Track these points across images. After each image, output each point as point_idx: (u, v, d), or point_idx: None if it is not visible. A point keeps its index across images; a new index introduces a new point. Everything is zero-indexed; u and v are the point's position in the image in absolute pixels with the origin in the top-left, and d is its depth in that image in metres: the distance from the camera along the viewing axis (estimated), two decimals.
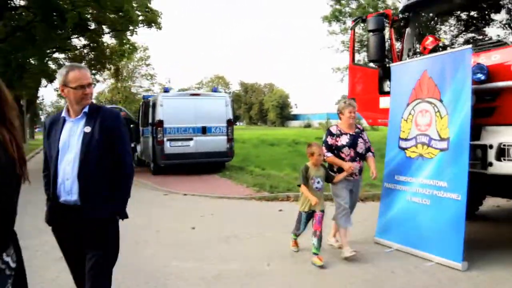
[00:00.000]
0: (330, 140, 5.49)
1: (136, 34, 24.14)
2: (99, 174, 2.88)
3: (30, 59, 18.54)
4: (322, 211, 5.28)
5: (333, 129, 5.56)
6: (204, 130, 13.19)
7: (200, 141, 13.17)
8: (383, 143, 6.76)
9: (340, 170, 5.43)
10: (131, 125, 16.16)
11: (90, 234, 2.89)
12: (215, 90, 14.93)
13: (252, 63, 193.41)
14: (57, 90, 31.27)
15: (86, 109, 2.88)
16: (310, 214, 5.34)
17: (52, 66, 29.60)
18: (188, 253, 5.72)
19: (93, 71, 28.78)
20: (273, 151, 23.40)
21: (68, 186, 2.83)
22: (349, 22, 33.65)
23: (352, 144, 5.44)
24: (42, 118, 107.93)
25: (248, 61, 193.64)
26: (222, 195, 9.92)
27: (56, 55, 27.46)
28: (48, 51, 25.07)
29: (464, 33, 6.50)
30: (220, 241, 6.28)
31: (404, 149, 5.71)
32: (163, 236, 6.64)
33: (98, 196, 2.88)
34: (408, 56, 6.35)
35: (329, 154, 5.45)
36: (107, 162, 2.91)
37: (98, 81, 28.60)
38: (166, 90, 13.57)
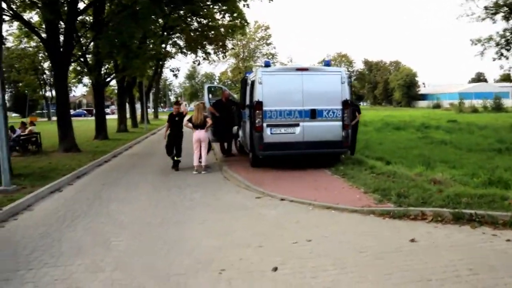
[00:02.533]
0: None
1: (248, 7, 22.36)
2: None
3: (134, 38, 17.56)
4: None
5: None
6: (313, 114, 10.52)
7: (308, 128, 10.54)
8: None
9: None
10: (233, 107, 14.21)
11: None
12: (327, 63, 11.62)
13: (377, 40, 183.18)
14: (173, 71, 31.06)
15: None
16: None
17: (169, 48, 29.34)
18: None
19: (208, 51, 27.93)
20: (399, 136, 19.98)
21: None
22: None
23: None
24: (172, 98, 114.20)
25: (373, 38, 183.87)
26: (329, 203, 7.30)
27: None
28: (162, 33, 24.52)
29: None
30: None
31: None
32: (224, 285, 4.29)
33: None
34: None
35: None
36: None
37: (207, 60, 27.32)
38: (267, 64, 10.97)
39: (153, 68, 37.14)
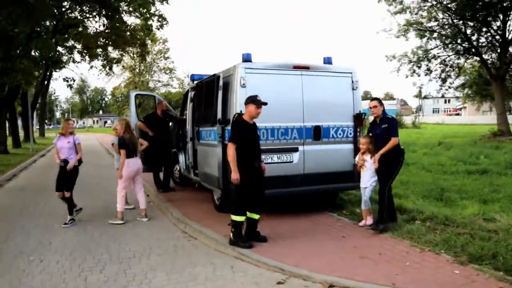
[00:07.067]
0: None
1: (168, 3, 18.64)
2: None
3: (19, 28, 12.87)
4: None
5: None
6: (317, 133, 7.15)
7: (310, 154, 7.11)
8: None
9: None
10: (170, 122, 10.58)
11: None
12: (328, 61, 7.63)
13: (278, 52, 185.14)
14: (67, 80, 25.75)
15: None
16: None
17: (62, 50, 24.29)
18: None
19: (112, 60, 23.71)
20: None
21: None
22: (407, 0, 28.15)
23: None
24: (58, 114, 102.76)
25: (273, 50, 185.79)
26: None
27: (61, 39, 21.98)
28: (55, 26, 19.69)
29: None
30: None
31: None
32: None
33: None
34: None
35: None
36: None
37: (107, 73, 23.09)
38: (247, 59, 6.96)
39: (39, 78, 30.99)
